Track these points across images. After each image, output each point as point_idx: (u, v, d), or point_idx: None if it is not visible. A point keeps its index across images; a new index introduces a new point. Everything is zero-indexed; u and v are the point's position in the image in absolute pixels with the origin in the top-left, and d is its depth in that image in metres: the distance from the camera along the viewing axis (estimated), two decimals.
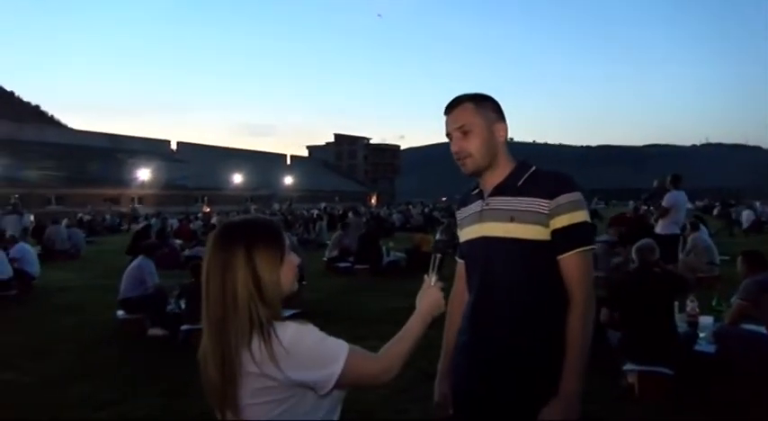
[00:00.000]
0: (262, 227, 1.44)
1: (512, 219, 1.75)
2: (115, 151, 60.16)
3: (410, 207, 39.04)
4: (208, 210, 35.80)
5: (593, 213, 26.87)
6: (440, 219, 26.19)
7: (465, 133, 1.80)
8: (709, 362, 4.34)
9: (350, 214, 24.14)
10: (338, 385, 1.35)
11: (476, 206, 1.90)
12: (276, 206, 44.21)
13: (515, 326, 1.74)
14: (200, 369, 1.40)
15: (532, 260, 1.74)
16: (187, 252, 13.75)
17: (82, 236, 18.38)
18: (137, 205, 46.19)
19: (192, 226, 21.80)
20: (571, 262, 1.72)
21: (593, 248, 1.76)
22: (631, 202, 25.22)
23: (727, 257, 10.20)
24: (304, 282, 8.26)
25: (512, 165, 1.86)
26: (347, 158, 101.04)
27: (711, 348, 4.41)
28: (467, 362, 1.86)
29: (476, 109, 1.81)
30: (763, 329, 4.39)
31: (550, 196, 1.73)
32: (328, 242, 13.80)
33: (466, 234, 1.93)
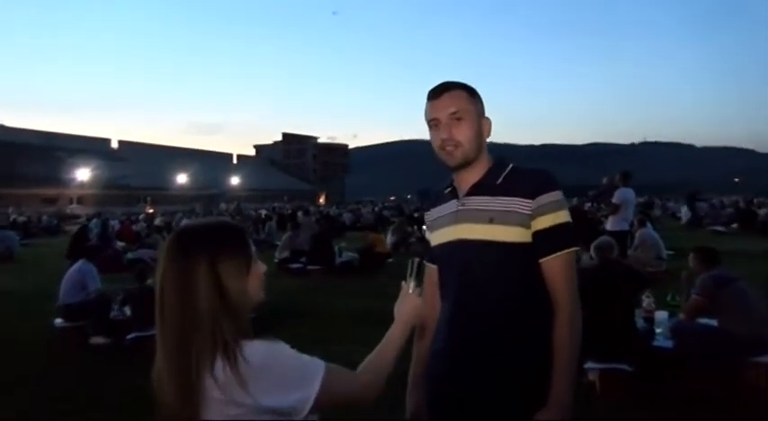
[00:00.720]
0: (225, 232, 1.28)
1: (491, 221, 1.64)
2: (52, 149, 57.77)
3: (360, 206, 39.01)
4: (151, 210, 34.83)
5: None
6: (389, 218, 26.19)
7: (458, 120, 1.68)
8: (668, 358, 4.38)
9: (300, 214, 23.86)
10: (315, 408, 1.21)
11: (450, 206, 1.78)
12: (223, 206, 43.39)
13: (496, 330, 1.65)
14: (155, 391, 1.23)
15: (513, 263, 1.65)
16: (130, 254, 13.23)
17: (15, 238, 17.50)
18: (74, 205, 44.52)
19: (134, 227, 21.10)
20: (555, 265, 1.63)
21: (576, 250, 1.68)
22: (575, 199, 25.91)
23: (671, 252, 10.52)
24: None
25: (489, 163, 1.76)
26: (295, 157, 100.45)
27: (669, 343, 4.45)
28: (444, 366, 1.74)
29: (469, 97, 1.70)
30: (716, 323, 4.45)
31: (532, 196, 1.63)
32: (278, 243, 13.53)
33: (439, 236, 1.80)
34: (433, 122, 1.71)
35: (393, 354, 1.43)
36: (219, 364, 1.15)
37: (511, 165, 1.74)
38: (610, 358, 4.24)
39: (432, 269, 1.88)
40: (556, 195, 1.65)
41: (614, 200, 8.35)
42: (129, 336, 5.94)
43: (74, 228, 21.29)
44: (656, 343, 4.51)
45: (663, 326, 4.70)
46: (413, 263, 1.64)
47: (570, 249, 1.64)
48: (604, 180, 9.44)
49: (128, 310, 6.38)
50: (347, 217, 28.67)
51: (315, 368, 1.23)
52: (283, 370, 1.19)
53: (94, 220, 22.52)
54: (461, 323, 1.70)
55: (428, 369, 1.83)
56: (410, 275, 1.61)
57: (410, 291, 1.59)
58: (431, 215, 1.88)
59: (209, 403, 1.15)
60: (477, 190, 1.71)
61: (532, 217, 1.62)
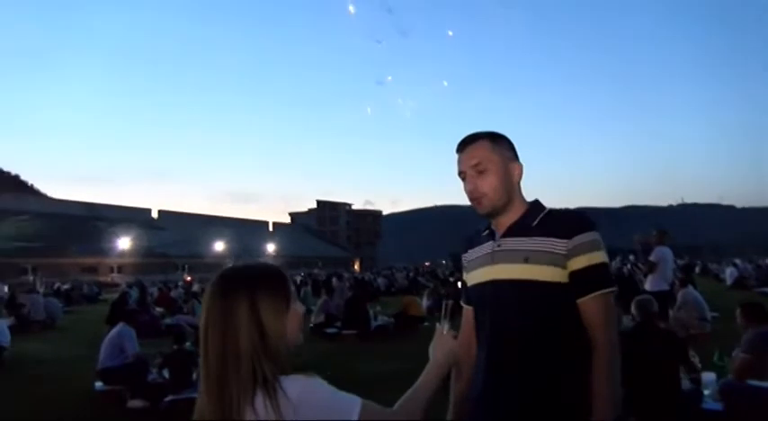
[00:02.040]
0: (265, 272, 1.34)
1: (526, 260, 1.65)
2: (94, 219, 59.70)
3: (393, 271, 38.93)
4: (189, 278, 35.28)
5: None
6: (425, 283, 26.03)
7: (481, 172, 1.72)
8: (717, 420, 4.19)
9: (334, 279, 23.90)
10: None
11: (486, 247, 1.79)
12: None
13: (534, 378, 1.62)
14: None
15: (549, 304, 1.63)
16: (168, 320, 13.39)
17: (59, 305, 17.87)
18: (114, 274, 45.34)
19: (172, 294, 21.36)
20: (592, 305, 1.61)
21: (614, 291, 1.66)
22: (613, 263, 25.40)
23: (716, 314, 10.13)
24: None
25: (525, 206, 1.79)
26: (329, 224, 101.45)
27: (718, 406, 4.27)
28: (482, 417, 1.72)
29: (492, 146, 1.74)
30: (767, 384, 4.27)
31: (568, 236, 1.63)
32: (313, 308, 13.54)
33: (474, 277, 1.82)
34: (461, 175, 1.77)
35: (428, 395, 1.43)
36: (260, 398, 1.19)
37: (548, 209, 1.76)
38: (657, 420, 4.07)
39: (468, 310, 1.90)
40: (592, 235, 1.65)
41: (651, 258, 8.14)
42: (165, 400, 5.95)
43: (113, 296, 21.67)
44: (704, 405, 4.33)
45: (710, 388, 4.52)
46: (446, 305, 1.64)
47: (607, 290, 1.63)
48: (635, 237, 9.24)
49: (166, 373, 6.41)
50: (381, 282, 28.62)
51: (352, 402, 1.26)
52: (321, 403, 1.23)
53: (133, 287, 22.93)
54: (496, 371, 1.69)
55: (467, 414, 1.81)
56: (444, 317, 1.62)
57: (444, 333, 1.60)
58: (468, 256, 1.90)
59: None
60: (513, 231, 1.73)
61: (568, 257, 1.62)
